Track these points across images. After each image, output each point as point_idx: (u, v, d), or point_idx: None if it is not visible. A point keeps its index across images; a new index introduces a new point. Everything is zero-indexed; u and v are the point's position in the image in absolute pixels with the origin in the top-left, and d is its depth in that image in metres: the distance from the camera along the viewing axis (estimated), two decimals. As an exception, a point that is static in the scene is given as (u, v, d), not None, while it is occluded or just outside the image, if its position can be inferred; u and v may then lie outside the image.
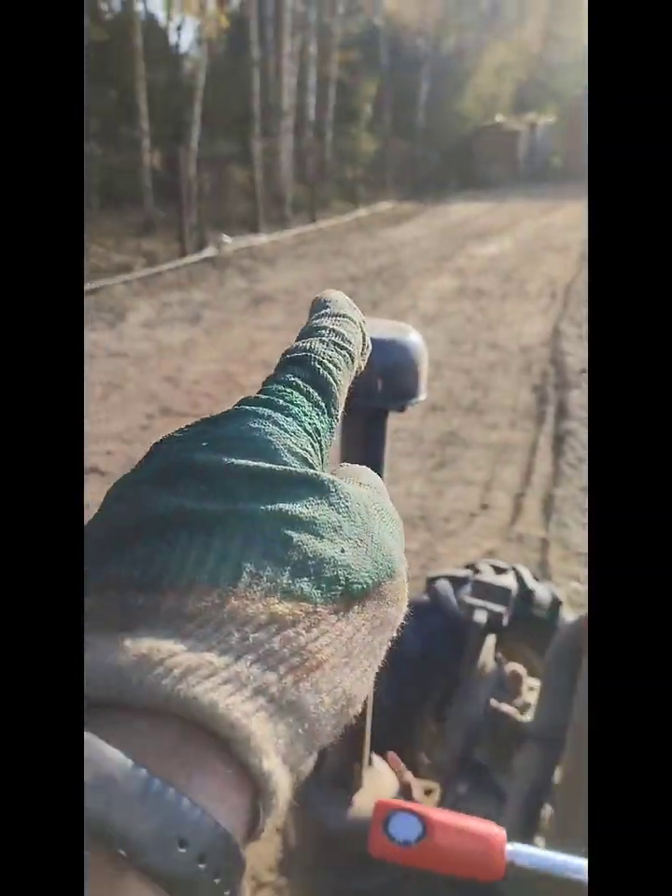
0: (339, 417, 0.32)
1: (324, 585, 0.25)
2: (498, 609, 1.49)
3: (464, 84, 23.38)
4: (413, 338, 0.96)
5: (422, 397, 1.02)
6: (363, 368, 0.35)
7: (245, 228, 13.51)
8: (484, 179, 22.95)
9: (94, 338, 7.18)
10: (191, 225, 11.78)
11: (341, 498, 0.28)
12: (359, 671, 0.27)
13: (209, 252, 11.34)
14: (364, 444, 0.97)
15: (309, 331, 0.34)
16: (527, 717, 1.57)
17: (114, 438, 4.96)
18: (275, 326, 7.74)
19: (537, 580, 1.92)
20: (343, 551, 0.26)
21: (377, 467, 1.00)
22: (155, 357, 6.57)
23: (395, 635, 0.30)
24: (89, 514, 0.29)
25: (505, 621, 1.50)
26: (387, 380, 0.90)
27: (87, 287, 9.11)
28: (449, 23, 21.55)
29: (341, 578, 0.26)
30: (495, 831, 0.76)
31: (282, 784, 0.23)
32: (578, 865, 0.77)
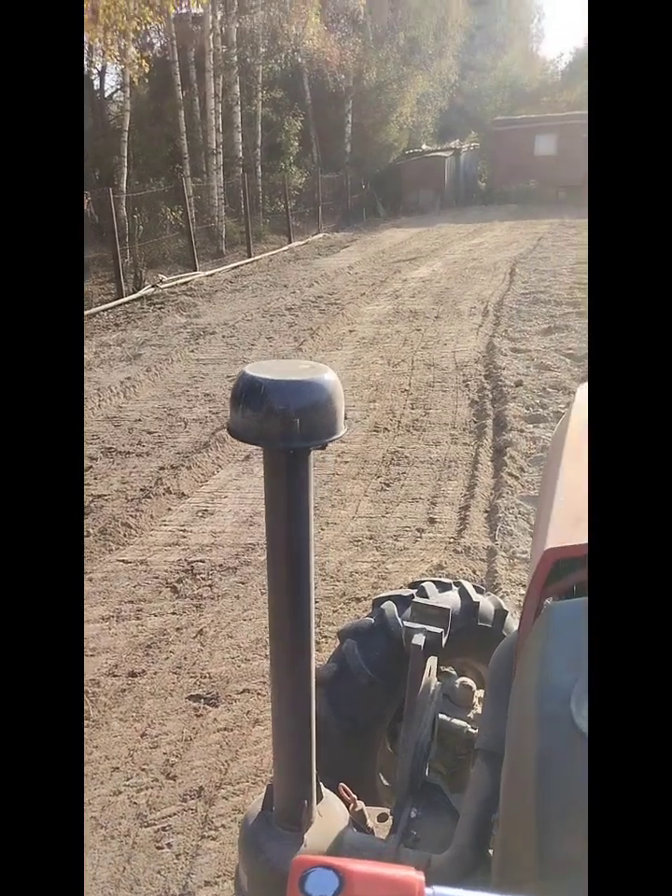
0: None
1: None
2: (436, 630, 1.47)
3: (388, 115, 24.08)
4: (328, 377, 1.01)
5: (340, 433, 1.03)
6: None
7: (181, 264, 13.55)
8: (413, 205, 23.59)
9: (32, 383, 7.07)
10: (126, 265, 11.76)
11: None
12: None
13: (146, 291, 11.32)
14: (288, 484, 1.00)
15: None
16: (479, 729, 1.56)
17: (56, 482, 4.89)
18: (216, 359, 7.77)
19: (481, 592, 1.96)
20: None
21: (303, 505, 1.02)
22: (94, 398, 6.51)
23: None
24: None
25: (443, 642, 1.50)
26: (305, 420, 0.95)
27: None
28: (369, 58, 22.26)
29: None
30: (413, 877, 0.76)
31: None
32: None
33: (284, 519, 0.99)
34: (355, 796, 1.40)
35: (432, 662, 1.59)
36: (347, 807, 1.35)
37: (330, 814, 1.26)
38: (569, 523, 1.11)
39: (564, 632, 0.88)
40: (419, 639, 1.45)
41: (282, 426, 0.92)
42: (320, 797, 1.25)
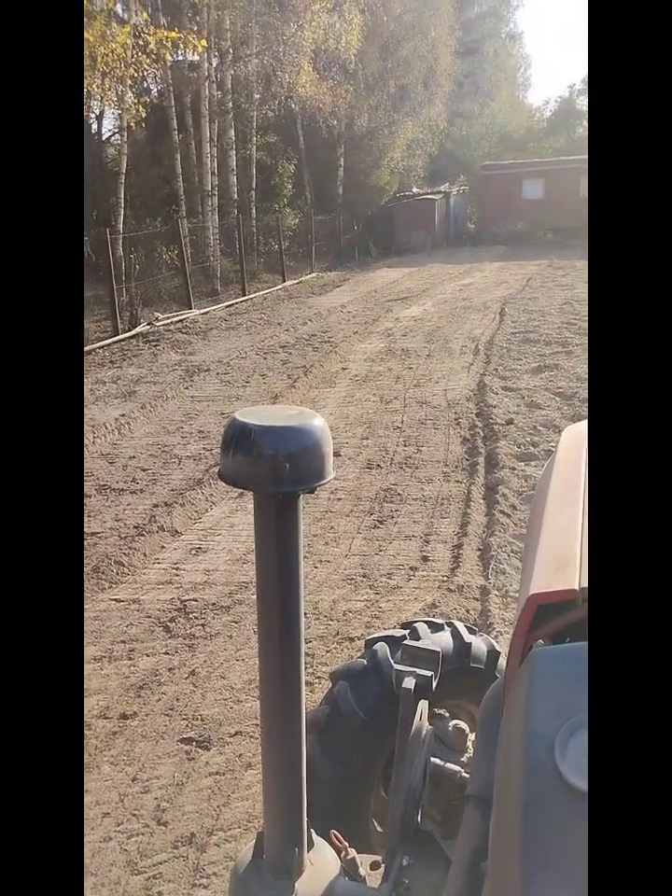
0: None
1: None
2: (426, 673, 1.45)
3: (379, 159, 24.73)
4: (316, 423, 1.01)
5: (329, 478, 1.03)
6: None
7: (176, 303, 13.72)
8: (405, 246, 24.05)
9: (25, 420, 7.10)
10: (122, 303, 11.90)
11: None
12: None
13: (142, 329, 11.44)
14: (277, 528, 1.02)
15: None
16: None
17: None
18: (211, 396, 7.83)
19: (473, 632, 1.95)
20: None
21: (293, 547, 1.03)
22: (89, 434, 6.53)
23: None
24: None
25: (433, 685, 1.47)
26: (294, 465, 0.96)
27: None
28: (360, 105, 22.92)
29: None
30: None
31: None
32: None
33: (274, 561, 1.01)
34: (346, 844, 1.37)
35: (423, 705, 1.57)
36: (339, 855, 1.33)
37: (322, 862, 1.24)
38: (553, 567, 1.13)
39: (548, 678, 0.88)
40: (409, 683, 1.43)
41: (271, 470, 0.94)
42: (311, 845, 1.23)
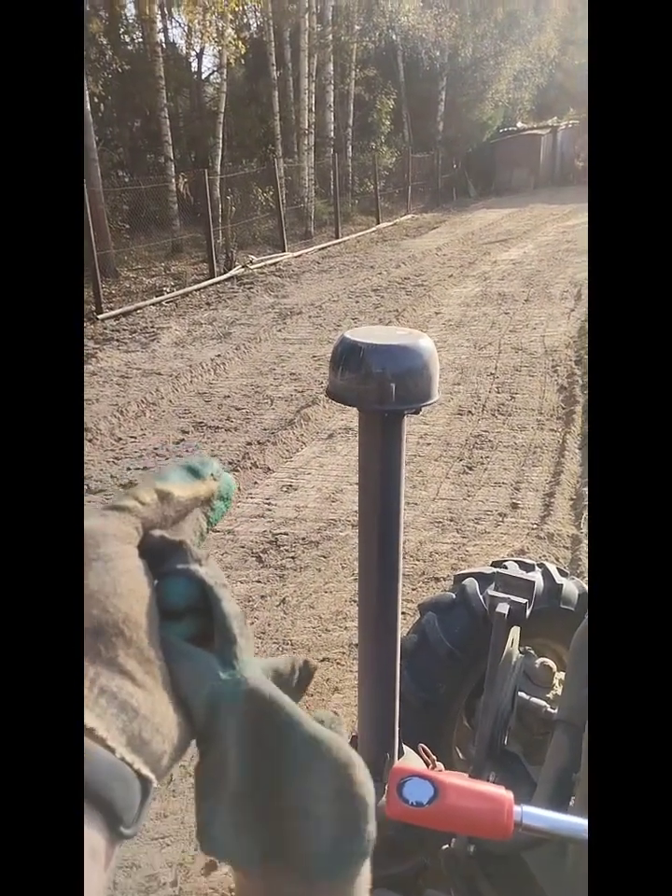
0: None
1: None
2: (521, 600, 1.50)
3: (483, 92, 23.42)
4: (424, 343, 1.01)
5: (435, 399, 1.04)
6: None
7: (270, 245, 13.75)
8: (506, 185, 22.94)
9: (128, 359, 7.41)
10: (218, 245, 12.05)
11: None
12: None
13: (236, 271, 11.58)
14: (382, 446, 1.03)
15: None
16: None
17: (149, 453, 5.14)
18: (303, 339, 7.89)
19: (564, 575, 1.95)
20: None
21: (395, 467, 1.05)
22: (187, 374, 6.75)
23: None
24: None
25: (527, 612, 1.51)
26: (400, 384, 0.97)
27: (120, 310, 9.39)
28: (465, 34, 21.66)
29: None
30: (503, 793, 0.79)
31: None
32: (584, 826, 0.79)
33: (376, 480, 1.03)
34: (434, 757, 1.42)
35: (515, 632, 1.61)
36: (426, 767, 1.38)
37: None
38: None
39: None
40: (503, 608, 1.48)
41: (378, 389, 0.95)
42: (401, 753, 1.30)
